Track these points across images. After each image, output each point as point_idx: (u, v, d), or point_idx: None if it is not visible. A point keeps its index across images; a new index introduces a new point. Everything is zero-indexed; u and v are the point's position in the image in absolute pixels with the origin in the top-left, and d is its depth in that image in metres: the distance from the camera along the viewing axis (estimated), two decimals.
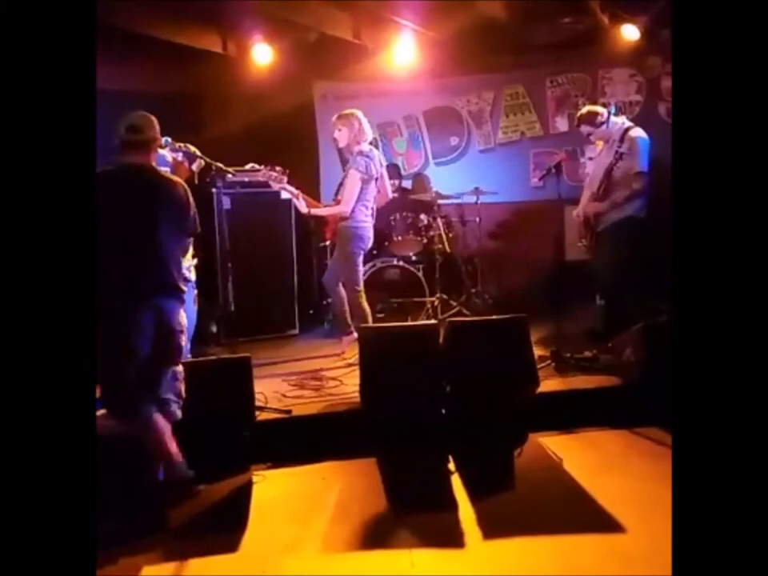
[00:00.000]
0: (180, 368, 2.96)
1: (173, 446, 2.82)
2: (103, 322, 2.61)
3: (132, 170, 2.80)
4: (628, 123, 4.57)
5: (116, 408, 2.80)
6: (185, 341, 3.00)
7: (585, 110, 4.74)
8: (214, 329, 4.83)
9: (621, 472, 3.07)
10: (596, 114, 4.60)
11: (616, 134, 4.48)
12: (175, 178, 2.96)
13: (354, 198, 4.28)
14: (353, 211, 4.30)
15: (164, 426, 2.81)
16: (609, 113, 4.61)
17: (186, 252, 3.01)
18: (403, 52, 5.54)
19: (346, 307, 4.43)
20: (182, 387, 2.98)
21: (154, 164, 2.91)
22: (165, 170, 3.91)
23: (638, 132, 4.46)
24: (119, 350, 2.71)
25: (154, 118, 2.89)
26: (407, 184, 6.37)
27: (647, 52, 5.79)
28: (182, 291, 2.88)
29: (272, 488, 3.04)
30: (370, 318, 4.36)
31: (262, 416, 3.32)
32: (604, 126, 4.54)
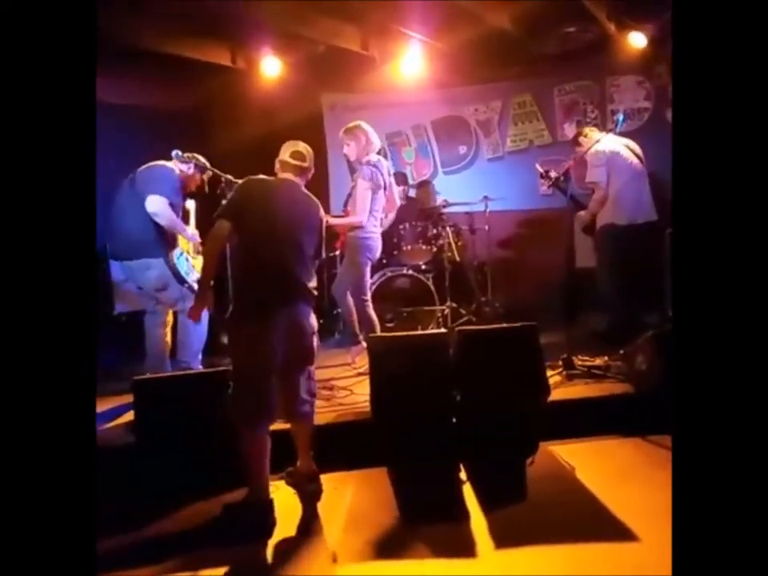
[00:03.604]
0: (313, 368, 3.08)
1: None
2: (248, 321, 2.81)
3: (289, 183, 3.06)
4: (603, 137, 4.65)
5: (250, 411, 2.79)
6: (317, 342, 3.14)
7: (575, 131, 5.12)
8: (225, 339, 4.85)
9: (633, 480, 3.05)
10: (578, 134, 4.92)
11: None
12: (319, 204, 3.12)
13: (367, 208, 4.24)
14: None
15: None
16: (588, 131, 4.89)
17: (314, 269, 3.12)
18: (411, 63, 5.58)
19: (355, 317, 4.43)
20: (315, 386, 3.12)
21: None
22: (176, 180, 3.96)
23: (596, 146, 4.58)
24: (258, 353, 2.79)
25: (312, 152, 3.15)
26: (414, 193, 6.39)
27: (655, 59, 5.79)
28: (314, 296, 3.03)
29: (283, 498, 3.04)
30: (377, 328, 4.35)
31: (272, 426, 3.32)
32: (586, 144, 4.72)
